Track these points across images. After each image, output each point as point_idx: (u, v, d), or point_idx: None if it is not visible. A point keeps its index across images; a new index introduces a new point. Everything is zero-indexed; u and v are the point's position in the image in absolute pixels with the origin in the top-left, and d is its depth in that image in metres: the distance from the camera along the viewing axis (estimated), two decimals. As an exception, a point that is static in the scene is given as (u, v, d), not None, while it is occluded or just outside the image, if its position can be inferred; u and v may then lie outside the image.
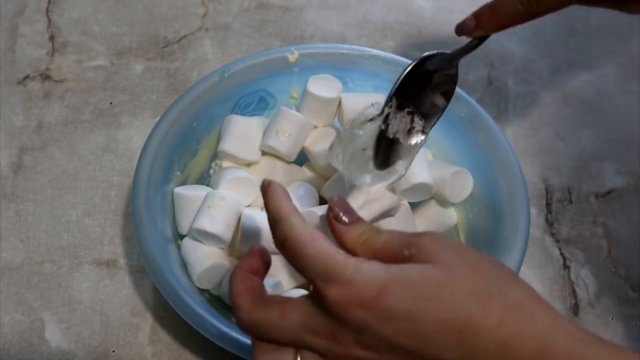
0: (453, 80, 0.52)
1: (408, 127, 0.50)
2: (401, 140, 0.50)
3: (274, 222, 0.41)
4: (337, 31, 0.80)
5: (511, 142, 0.65)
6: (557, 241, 0.68)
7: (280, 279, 0.58)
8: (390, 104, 0.50)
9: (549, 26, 0.83)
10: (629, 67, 0.80)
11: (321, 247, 0.39)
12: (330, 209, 0.42)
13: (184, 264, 0.59)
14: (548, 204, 0.70)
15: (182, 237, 0.61)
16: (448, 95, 0.52)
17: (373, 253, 0.40)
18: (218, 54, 0.78)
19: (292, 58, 0.67)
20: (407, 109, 0.50)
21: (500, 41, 0.81)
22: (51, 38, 0.78)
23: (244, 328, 0.41)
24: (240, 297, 0.41)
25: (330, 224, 0.42)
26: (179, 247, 0.60)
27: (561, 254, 0.67)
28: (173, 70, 0.76)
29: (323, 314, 0.39)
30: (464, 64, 0.79)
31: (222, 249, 0.60)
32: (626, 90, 0.78)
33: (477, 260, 0.38)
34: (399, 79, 0.50)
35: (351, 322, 0.37)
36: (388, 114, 0.50)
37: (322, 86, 0.64)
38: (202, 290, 0.59)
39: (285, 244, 0.40)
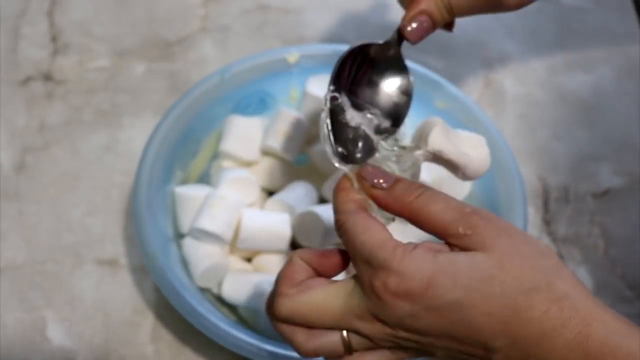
0: (405, 74, 0.49)
1: (373, 125, 0.48)
2: (370, 134, 0.47)
3: (335, 211, 0.42)
4: (337, 32, 0.81)
5: (509, 143, 0.66)
6: (554, 240, 0.69)
7: None
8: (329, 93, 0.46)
9: (547, 27, 0.83)
10: (626, 68, 0.80)
11: (372, 233, 0.39)
12: (361, 178, 0.42)
13: (185, 263, 0.60)
14: (545, 204, 0.71)
15: (183, 236, 0.62)
16: (407, 92, 0.49)
17: (424, 220, 0.40)
18: (219, 55, 0.78)
19: (291, 59, 0.67)
20: (368, 113, 0.47)
21: (498, 42, 0.81)
22: (53, 39, 0.78)
23: (283, 315, 0.40)
24: (280, 284, 0.41)
25: (369, 193, 0.41)
26: (180, 247, 0.61)
27: (558, 252, 0.68)
28: (174, 71, 0.76)
29: (367, 298, 0.39)
30: (462, 64, 0.80)
31: (223, 248, 0.60)
32: (623, 91, 0.78)
33: (526, 248, 0.38)
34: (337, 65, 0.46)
35: (397, 311, 0.38)
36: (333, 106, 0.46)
37: (322, 87, 0.65)
38: (202, 289, 0.59)
39: (340, 230, 0.41)
